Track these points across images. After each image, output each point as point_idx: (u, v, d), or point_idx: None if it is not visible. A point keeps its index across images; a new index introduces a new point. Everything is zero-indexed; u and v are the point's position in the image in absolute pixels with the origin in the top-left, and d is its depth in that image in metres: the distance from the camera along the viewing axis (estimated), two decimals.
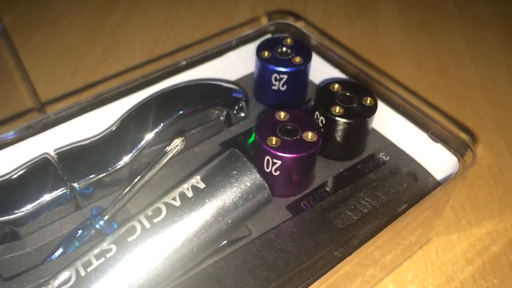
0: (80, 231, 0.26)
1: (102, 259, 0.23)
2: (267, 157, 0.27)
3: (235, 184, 0.25)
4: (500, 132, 0.41)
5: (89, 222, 0.26)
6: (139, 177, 0.27)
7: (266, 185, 0.25)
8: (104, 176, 0.27)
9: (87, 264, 0.23)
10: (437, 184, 0.30)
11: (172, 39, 0.49)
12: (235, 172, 0.25)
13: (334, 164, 0.31)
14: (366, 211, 0.28)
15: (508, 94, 0.45)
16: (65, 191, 0.26)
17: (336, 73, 0.35)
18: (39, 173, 0.26)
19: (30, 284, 0.24)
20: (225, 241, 0.26)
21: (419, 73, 0.47)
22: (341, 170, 0.31)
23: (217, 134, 0.32)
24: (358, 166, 0.31)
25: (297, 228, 0.26)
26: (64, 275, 0.23)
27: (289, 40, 0.34)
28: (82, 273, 0.23)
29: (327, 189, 0.29)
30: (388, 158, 0.31)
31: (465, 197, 0.36)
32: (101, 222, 0.26)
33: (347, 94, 0.31)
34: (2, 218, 0.25)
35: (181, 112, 0.29)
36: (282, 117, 0.28)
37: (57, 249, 0.25)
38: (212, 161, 0.26)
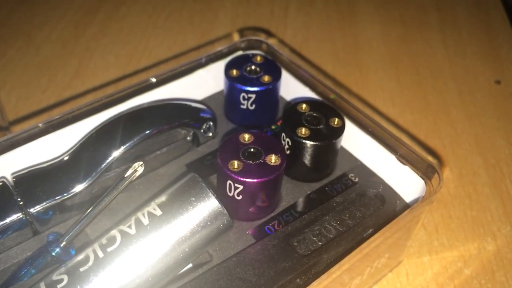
0: (35, 259, 0.25)
1: None
2: (229, 181, 0.27)
3: (193, 211, 0.24)
4: (477, 149, 0.41)
5: (46, 249, 0.26)
6: (96, 202, 0.26)
7: (225, 211, 0.25)
8: (62, 200, 0.26)
9: None
10: (406, 206, 0.29)
11: (149, 52, 0.48)
12: (193, 199, 0.24)
13: (301, 186, 0.30)
14: (331, 236, 0.27)
15: (486, 109, 0.44)
16: (21, 216, 0.26)
17: (307, 91, 0.34)
18: None
19: None
20: (186, 267, 0.26)
21: (397, 87, 0.46)
22: (309, 192, 0.30)
23: (184, 154, 0.32)
24: (326, 188, 0.30)
25: (258, 255, 0.26)
26: None
27: (258, 58, 0.33)
28: None
29: (293, 212, 0.29)
30: (357, 179, 0.31)
31: (439, 217, 0.35)
32: (57, 250, 0.25)
33: (314, 114, 0.30)
34: None
35: (146, 132, 0.29)
36: (246, 139, 0.28)
37: (12, 276, 0.25)
38: (171, 186, 0.25)
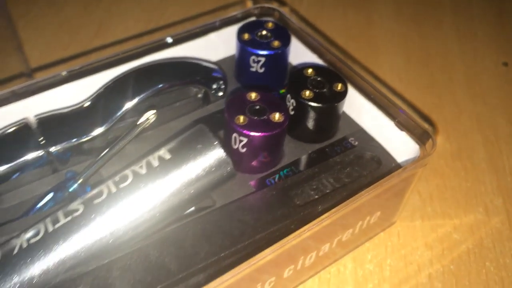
0: (54, 193, 0.28)
1: (69, 218, 0.25)
2: (235, 134, 0.29)
3: (199, 158, 0.26)
4: (478, 127, 0.42)
5: (64, 185, 0.28)
6: (111, 146, 0.29)
7: (229, 160, 0.27)
8: (80, 143, 0.29)
9: (55, 221, 0.25)
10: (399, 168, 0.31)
11: (167, 17, 0.50)
12: (200, 146, 0.26)
13: (303, 146, 0.32)
14: (327, 191, 0.29)
15: (491, 91, 0.45)
16: (42, 154, 0.28)
17: (315, 58, 0.36)
18: (19, 136, 0.28)
19: (3, 236, 0.26)
20: (190, 210, 0.28)
21: (405, 64, 0.47)
22: (309, 152, 0.32)
23: (194, 111, 0.34)
24: (326, 149, 0.32)
25: (257, 202, 0.28)
26: (33, 230, 0.25)
27: (270, 24, 0.35)
28: (50, 229, 0.24)
29: (293, 168, 0.31)
30: (357, 143, 0.32)
31: (434, 187, 0.37)
32: (75, 186, 0.28)
33: (319, 79, 0.32)
34: None
35: (160, 86, 0.31)
36: (252, 97, 0.30)
37: (31, 207, 0.27)
38: (181, 134, 0.27)
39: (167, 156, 0.26)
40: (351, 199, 0.26)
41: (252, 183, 0.30)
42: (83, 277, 0.24)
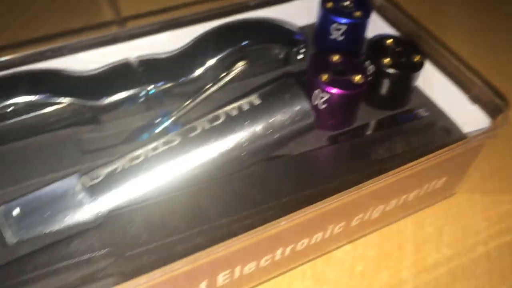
0: (149, 127, 0.31)
1: (167, 147, 0.28)
2: (317, 91, 0.31)
3: (287, 107, 0.29)
4: None
5: (158, 121, 0.31)
6: (202, 91, 0.31)
7: (312, 113, 0.29)
8: (174, 85, 0.31)
9: (154, 148, 0.28)
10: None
11: None
12: (289, 96, 0.29)
13: (376, 112, 0.34)
14: (398, 152, 0.31)
15: None
16: (140, 92, 0.31)
17: (393, 32, 0.37)
18: (122, 73, 0.31)
19: (104, 158, 0.29)
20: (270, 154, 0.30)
21: (473, 55, 0.48)
22: (381, 117, 0.34)
23: (273, 71, 0.36)
24: (397, 116, 0.34)
25: (333, 153, 0.30)
26: (135, 154, 0.28)
27: None
28: (149, 154, 0.27)
29: (366, 130, 0.33)
30: (427, 114, 0.34)
31: (496, 164, 0.37)
32: (168, 122, 0.31)
33: (397, 49, 0.33)
34: (88, 103, 0.30)
35: (247, 42, 0.33)
36: (335, 58, 0.32)
37: (129, 136, 0.30)
38: (270, 84, 0.30)
39: (257, 102, 0.29)
40: (419, 159, 0.28)
41: (326, 139, 0.32)
42: (176, 197, 0.27)
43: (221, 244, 0.23)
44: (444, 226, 0.33)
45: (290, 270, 0.30)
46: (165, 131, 0.31)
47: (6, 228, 0.25)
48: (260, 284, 0.30)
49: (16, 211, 0.26)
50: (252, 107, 0.29)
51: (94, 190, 0.26)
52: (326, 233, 0.29)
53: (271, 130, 0.28)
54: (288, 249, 0.28)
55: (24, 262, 0.24)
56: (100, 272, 0.24)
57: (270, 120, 0.28)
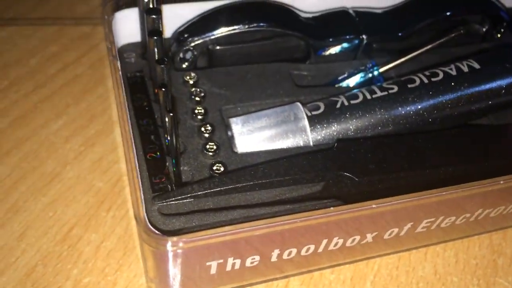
0: (355, 73, 0.32)
1: (385, 92, 0.29)
2: None
3: (506, 75, 0.29)
4: None
5: (365, 70, 0.32)
6: (413, 50, 0.32)
7: None
8: (387, 39, 0.33)
9: (372, 92, 0.29)
10: None
11: None
12: (509, 65, 0.29)
13: None
14: None
15: None
16: (355, 39, 0.32)
17: None
18: (340, 19, 0.33)
19: (314, 95, 0.31)
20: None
21: None
22: None
23: (470, 45, 0.36)
24: None
25: None
26: (353, 94, 0.29)
27: None
28: (368, 97, 0.29)
29: None
30: None
31: None
32: (375, 73, 0.32)
33: None
34: (309, 40, 0.32)
35: (459, 10, 0.34)
36: None
37: (341, 78, 0.32)
38: (489, 52, 0.30)
39: (476, 66, 0.30)
40: None
41: None
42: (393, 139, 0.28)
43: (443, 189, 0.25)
44: None
45: (468, 236, 0.31)
46: (370, 81, 0.32)
47: (236, 137, 0.28)
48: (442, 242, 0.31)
49: (245, 125, 0.28)
50: (472, 69, 0.29)
51: (315, 119, 0.28)
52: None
53: (486, 95, 0.29)
54: (483, 213, 0.29)
55: (251, 170, 0.26)
56: (321, 192, 0.26)
57: (488, 86, 0.29)
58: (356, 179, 0.25)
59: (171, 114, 0.23)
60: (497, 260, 0.30)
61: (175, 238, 0.22)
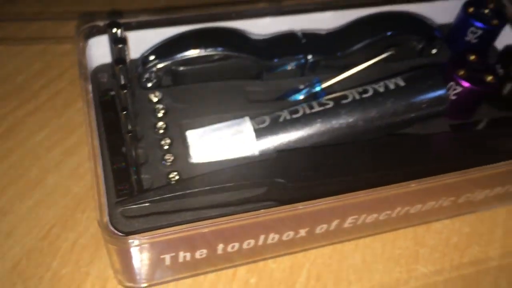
0: (301, 89, 0.37)
1: (322, 107, 0.33)
2: (452, 83, 0.35)
3: (428, 91, 0.34)
4: None
5: (310, 86, 0.37)
6: (350, 68, 0.37)
7: (447, 101, 0.34)
8: (329, 58, 0.37)
9: (311, 107, 0.34)
10: None
11: None
12: (431, 83, 0.34)
13: (496, 112, 0.38)
14: None
15: None
16: (302, 59, 0.37)
17: None
18: (287, 41, 0.37)
19: (264, 109, 0.35)
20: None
21: None
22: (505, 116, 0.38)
23: (408, 60, 0.41)
24: None
25: (452, 141, 0.35)
26: (294, 109, 0.34)
27: (491, 5, 0.41)
28: (307, 111, 0.33)
29: (487, 124, 0.37)
30: None
31: None
32: (318, 88, 0.36)
33: None
34: (259, 61, 0.36)
35: (393, 31, 0.38)
36: (472, 58, 0.36)
37: (285, 94, 0.37)
38: (415, 70, 0.35)
39: (402, 83, 0.34)
40: None
41: (450, 126, 0.37)
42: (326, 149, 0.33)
43: (364, 191, 0.29)
44: None
45: (395, 229, 0.36)
46: (314, 95, 0.37)
47: (191, 148, 0.32)
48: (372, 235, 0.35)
49: (199, 137, 0.33)
50: (398, 87, 0.34)
51: (261, 132, 0.33)
52: (437, 203, 0.34)
53: (410, 109, 0.34)
54: (403, 210, 0.33)
55: (202, 178, 0.31)
56: (260, 196, 0.31)
57: (411, 100, 0.34)
58: (288, 184, 0.30)
59: (129, 134, 0.28)
60: (420, 250, 0.34)
61: (133, 237, 0.27)
